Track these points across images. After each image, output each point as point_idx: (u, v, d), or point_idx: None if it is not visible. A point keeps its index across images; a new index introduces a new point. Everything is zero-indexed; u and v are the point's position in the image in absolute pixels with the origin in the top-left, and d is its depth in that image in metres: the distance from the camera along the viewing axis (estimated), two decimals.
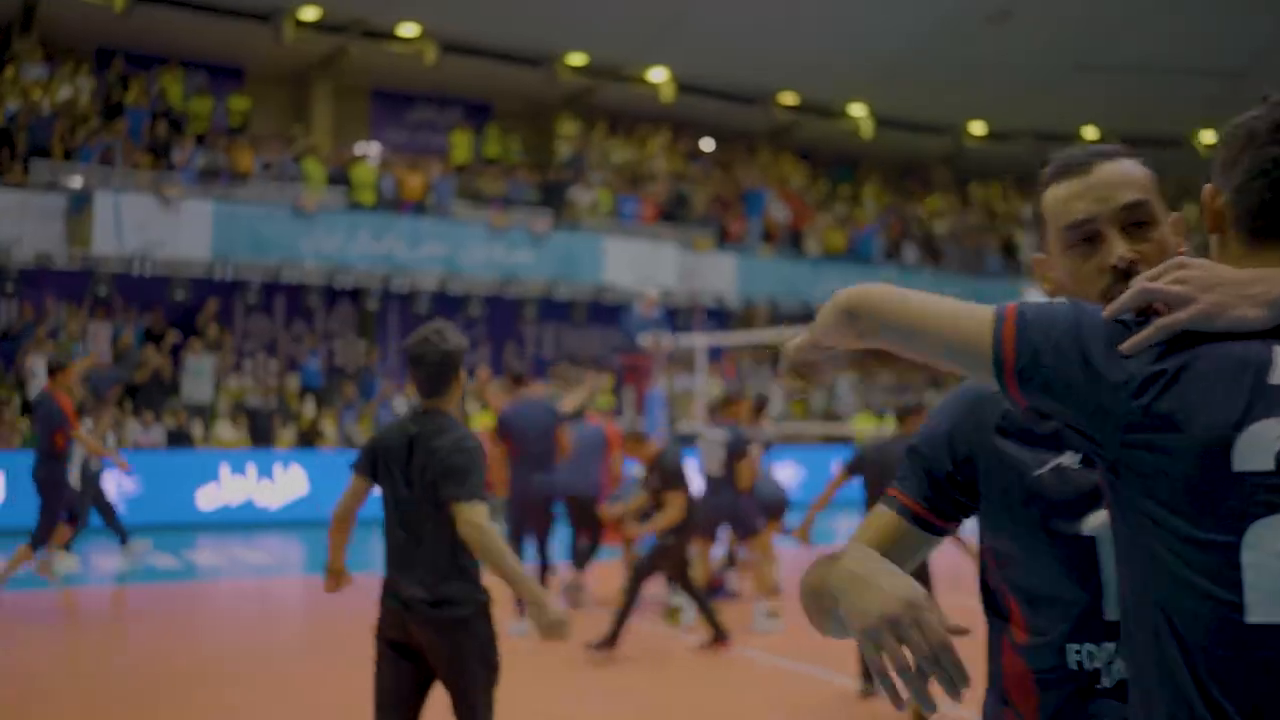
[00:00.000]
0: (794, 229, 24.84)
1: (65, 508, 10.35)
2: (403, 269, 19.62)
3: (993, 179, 30.15)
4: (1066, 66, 25.16)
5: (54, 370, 10.10)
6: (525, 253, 20.57)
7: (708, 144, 26.63)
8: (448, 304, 20.47)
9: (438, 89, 24.04)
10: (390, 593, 4.27)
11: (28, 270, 17.91)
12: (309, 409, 19.14)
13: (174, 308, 18.84)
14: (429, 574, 4.18)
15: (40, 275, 18.23)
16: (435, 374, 4.33)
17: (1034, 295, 2.43)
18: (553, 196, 21.60)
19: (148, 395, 17.83)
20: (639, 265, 21.55)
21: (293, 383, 19.57)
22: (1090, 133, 28.85)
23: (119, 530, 11.88)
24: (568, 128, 24.29)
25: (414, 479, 4.24)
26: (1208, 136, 29.05)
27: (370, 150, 22.19)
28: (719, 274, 22.80)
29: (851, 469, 7.62)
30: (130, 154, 18.64)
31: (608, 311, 21.95)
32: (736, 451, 9.61)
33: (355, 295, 20.80)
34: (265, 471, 16.61)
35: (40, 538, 9.98)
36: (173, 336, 18.63)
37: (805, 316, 23.35)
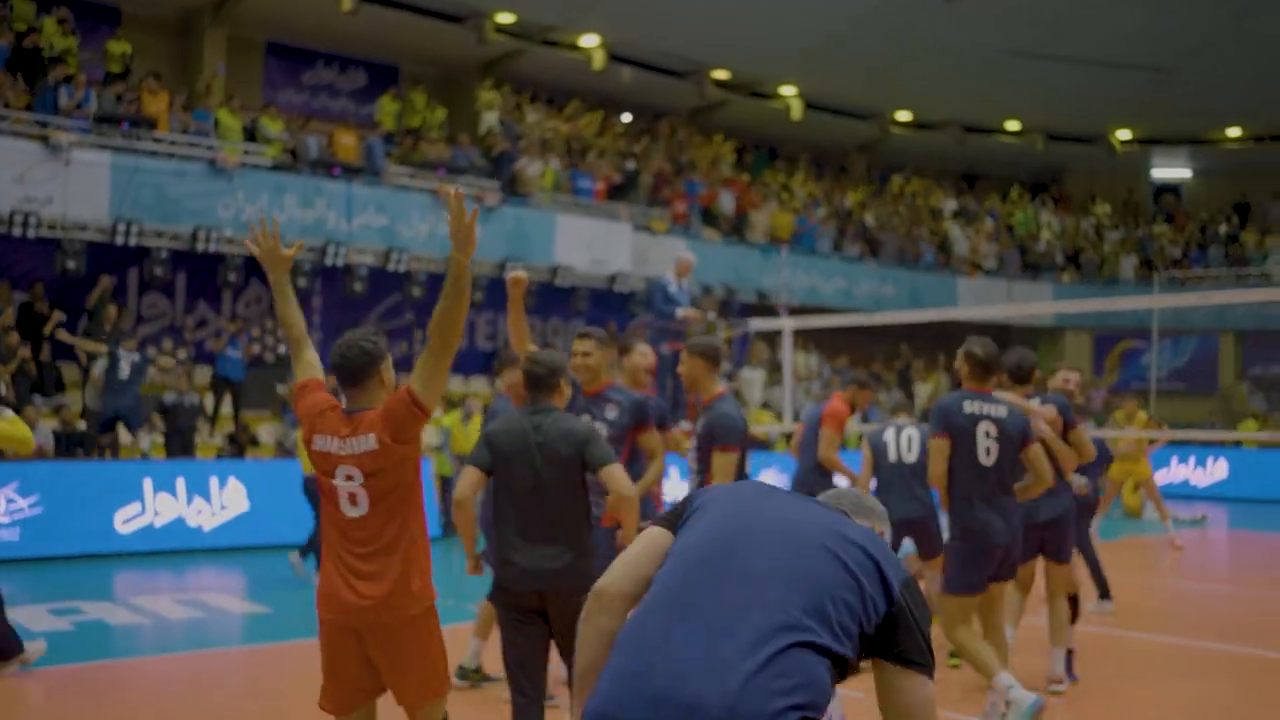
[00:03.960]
0: (739, 213, 22.81)
1: None
2: (336, 241, 16.65)
3: (913, 170, 28.79)
4: (1004, 54, 23.93)
5: None
6: None
7: (626, 118, 24.38)
8: (386, 282, 17.61)
9: (340, 46, 21.09)
10: None
11: None
12: (227, 407, 15.98)
13: (59, 281, 15.40)
14: None
15: None
16: None
17: None
18: (500, 167, 18.94)
19: (27, 390, 14.41)
20: (593, 246, 19.14)
21: (202, 375, 16.36)
22: (1013, 125, 27.88)
23: None
24: (489, 96, 21.62)
25: None
26: (1124, 134, 28.38)
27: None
28: (670, 258, 20.50)
29: None
30: (3, 91, 15.18)
31: (560, 296, 19.44)
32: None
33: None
34: (198, 488, 13.25)
35: None
36: (57, 316, 15.20)
37: (761, 308, 21.42)
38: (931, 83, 25.00)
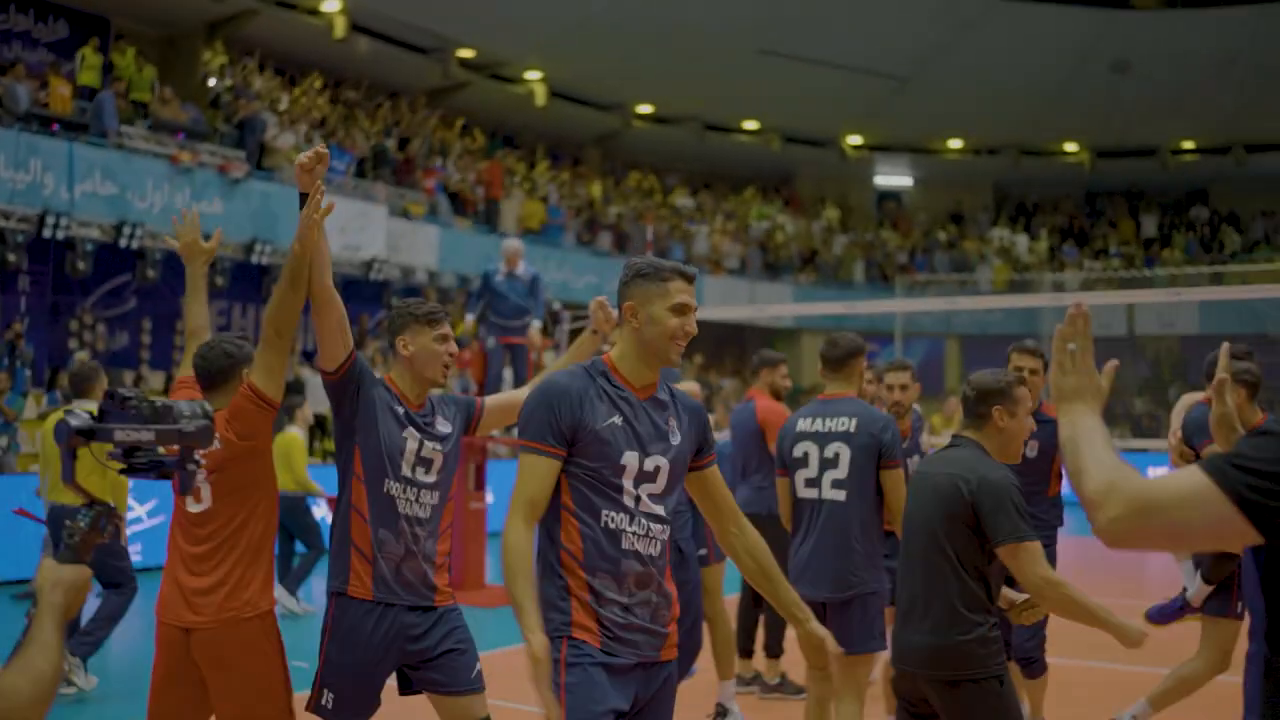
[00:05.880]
0: (488, 201, 21.41)
1: None
2: (56, 210, 14.15)
3: (649, 165, 28.14)
4: (749, 50, 23.62)
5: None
6: (215, 202, 15.69)
7: (353, 94, 22.43)
8: (116, 261, 15.20)
9: None
10: None
11: None
12: None
13: None
14: None
15: None
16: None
17: None
18: (246, 136, 16.80)
19: None
20: (346, 229, 17.27)
21: None
22: (751, 125, 27.73)
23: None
24: (216, 59, 19.31)
25: None
26: (855, 140, 28.75)
27: None
28: (422, 246, 18.96)
29: None
30: None
31: None
32: None
33: None
34: None
35: None
36: None
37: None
38: (677, 76, 24.41)
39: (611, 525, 3.10)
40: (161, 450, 2.42)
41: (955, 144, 28.83)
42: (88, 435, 2.22)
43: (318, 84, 20.91)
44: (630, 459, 3.14)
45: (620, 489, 3.12)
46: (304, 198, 3.80)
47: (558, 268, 21.73)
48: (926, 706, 3.82)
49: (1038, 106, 26.07)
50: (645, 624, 3.11)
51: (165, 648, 3.92)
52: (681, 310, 3.22)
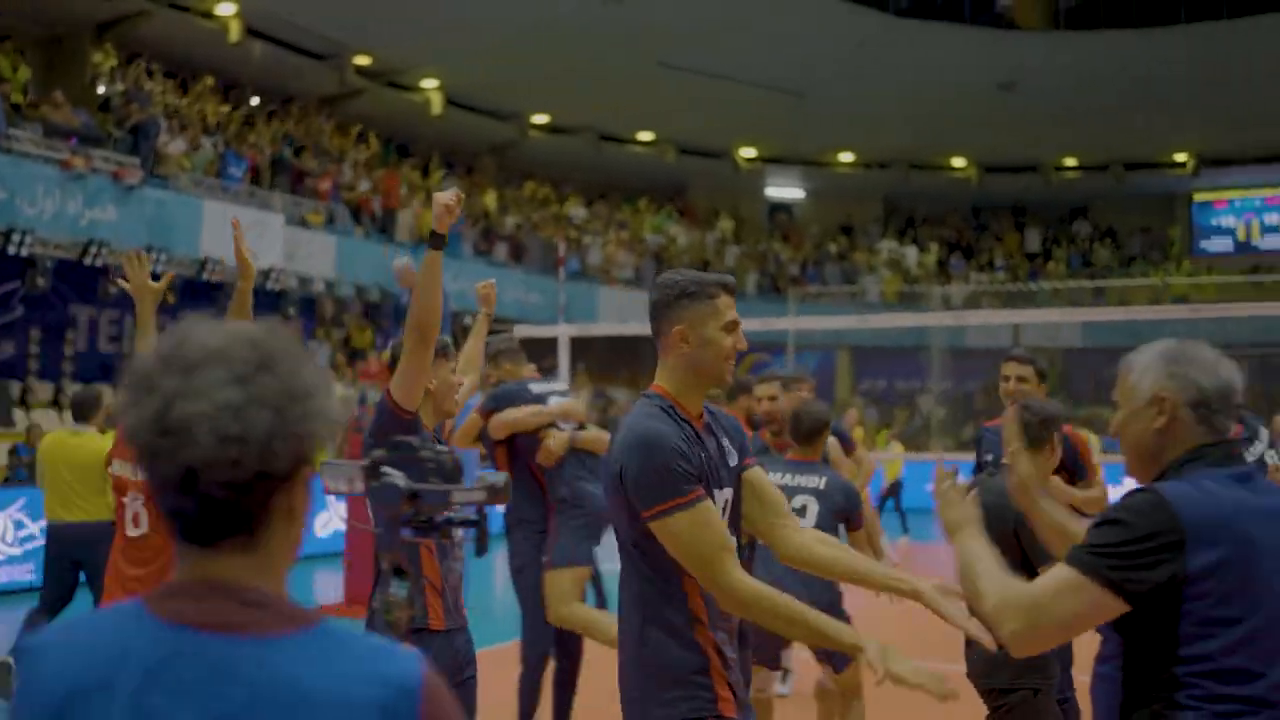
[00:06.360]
0: (385, 210, 21.19)
1: None
2: None
3: (543, 175, 28.11)
4: (647, 62, 23.76)
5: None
6: (109, 209, 15.30)
7: (254, 101, 22.07)
8: (4, 268, 14.76)
9: None
10: None
11: None
12: None
13: None
14: None
15: None
16: None
17: None
18: (139, 141, 16.40)
19: None
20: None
21: None
22: (646, 136, 27.88)
23: None
24: (105, 61, 18.82)
25: None
26: (748, 152, 29.08)
27: None
28: (320, 255, 18.71)
29: None
30: None
31: (206, 293, 17.04)
32: None
33: None
34: None
35: None
36: None
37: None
38: (574, 87, 24.41)
39: None
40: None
41: (846, 157, 29.32)
42: (414, 497, 1.98)
43: (211, 89, 20.50)
44: (719, 497, 2.92)
45: None
46: (437, 237, 3.77)
47: (454, 279, 21.49)
48: None
49: (927, 122, 26.64)
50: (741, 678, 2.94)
51: None
52: (733, 327, 2.99)
